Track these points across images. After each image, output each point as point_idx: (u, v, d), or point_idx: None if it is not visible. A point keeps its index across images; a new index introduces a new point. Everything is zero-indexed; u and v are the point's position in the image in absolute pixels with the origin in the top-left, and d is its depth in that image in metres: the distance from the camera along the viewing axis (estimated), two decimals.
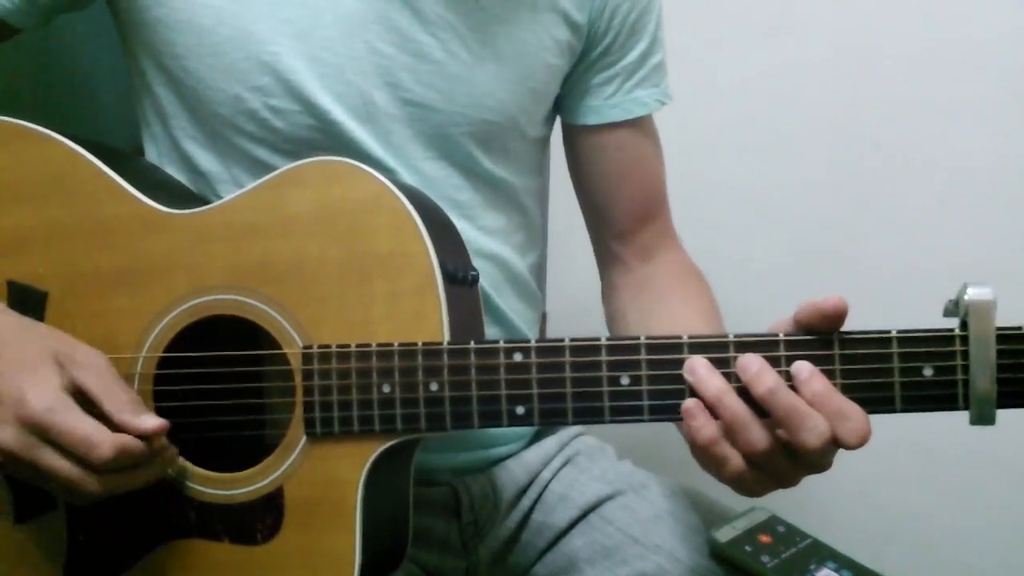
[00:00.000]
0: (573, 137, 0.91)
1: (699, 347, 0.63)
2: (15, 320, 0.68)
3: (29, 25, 0.78)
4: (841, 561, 0.78)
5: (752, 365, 0.61)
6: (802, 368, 0.60)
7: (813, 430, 0.59)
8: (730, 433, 0.61)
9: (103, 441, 0.62)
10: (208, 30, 0.75)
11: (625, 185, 0.91)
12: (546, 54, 0.83)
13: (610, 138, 0.89)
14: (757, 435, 0.60)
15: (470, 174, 0.82)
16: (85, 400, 0.64)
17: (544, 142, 0.91)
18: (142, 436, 0.64)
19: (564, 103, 0.90)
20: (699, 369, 0.62)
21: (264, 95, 0.76)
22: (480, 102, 0.80)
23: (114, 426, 0.63)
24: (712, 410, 0.61)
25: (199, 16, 0.75)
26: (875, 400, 0.61)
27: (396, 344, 0.66)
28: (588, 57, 0.86)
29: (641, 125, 0.90)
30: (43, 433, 0.62)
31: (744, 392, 0.61)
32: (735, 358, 0.62)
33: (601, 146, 0.90)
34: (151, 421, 0.65)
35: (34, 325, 0.68)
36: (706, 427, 0.61)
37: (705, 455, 0.62)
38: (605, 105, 0.88)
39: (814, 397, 0.59)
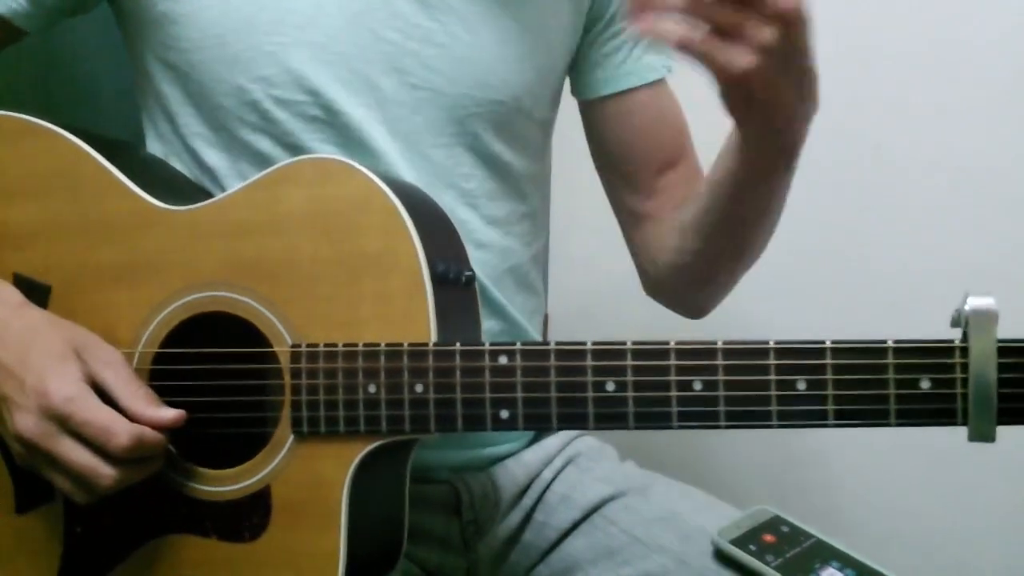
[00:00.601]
0: (593, 112, 0.91)
1: (686, 353, 0.61)
2: (40, 314, 0.70)
3: (35, 28, 0.79)
4: (845, 560, 0.77)
5: None
6: None
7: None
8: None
9: (121, 430, 0.64)
10: (213, 22, 0.75)
11: (649, 141, 0.91)
12: (551, 33, 0.83)
13: (630, 103, 0.90)
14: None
15: (478, 158, 0.82)
16: (102, 394, 0.66)
17: (549, 125, 0.91)
18: (158, 427, 0.66)
19: (578, 80, 0.90)
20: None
21: (268, 86, 0.76)
22: (486, 83, 0.80)
23: (130, 418, 0.65)
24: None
25: (204, 8, 0.75)
26: (868, 413, 0.59)
27: (382, 344, 0.65)
28: (593, 31, 0.87)
29: (658, 88, 0.90)
30: (63, 422, 0.64)
31: None
32: (723, 366, 0.60)
33: (622, 112, 0.90)
34: (168, 412, 0.67)
35: (57, 320, 0.70)
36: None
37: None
38: (619, 73, 0.88)
39: None
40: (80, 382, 0.65)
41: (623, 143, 0.91)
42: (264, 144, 0.78)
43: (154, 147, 0.83)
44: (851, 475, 1.09)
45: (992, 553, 1.15)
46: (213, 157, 0.80)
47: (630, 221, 0.93)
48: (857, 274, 1.12)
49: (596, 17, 0.86)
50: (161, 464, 0.68)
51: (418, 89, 0.78)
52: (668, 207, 0.90)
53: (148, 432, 0.65)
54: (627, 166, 0.92)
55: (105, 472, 0.64)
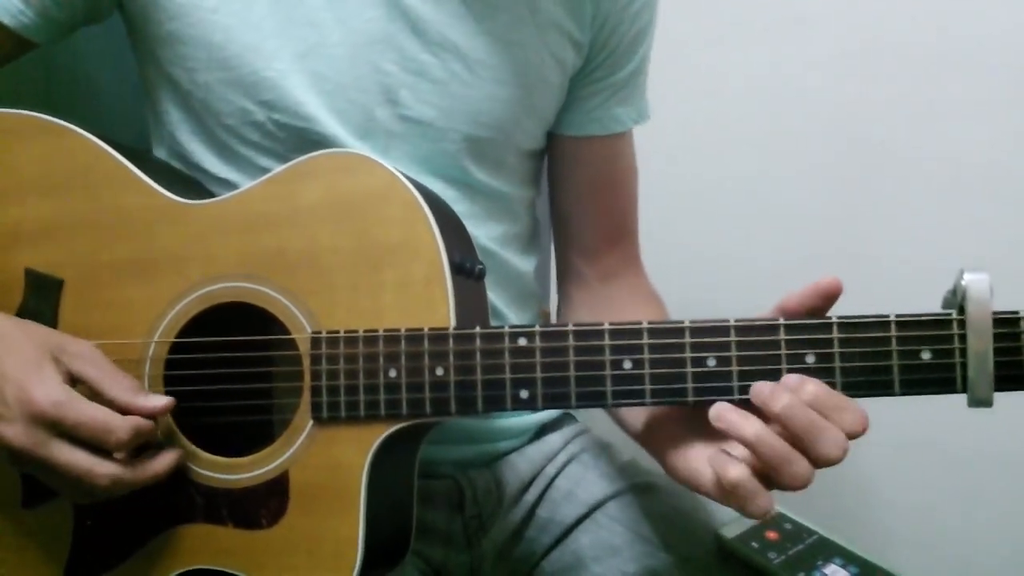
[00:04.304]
0: (550, 144, 0.92)
1: (700, 331, 0.64)
2: (4, 320, 0.69)
3: (47, 40, 0.80)
4: (848, 556, 0.79)
5: (764, 388, 0.61)
6: (790, 377, 0.61)
7: (833, 440, 0.59)
8: (772, 470, 0.60)
9: (119, 425, 0.64)
10: (218, 46, 0.77)
11: (595, 201, 0.92)
12: (548, 73, 0.84)
13: (586, 151, 0.90)
14: (803, 467, 0.60)
15: (464, 186, 0.83)
16: (83, 389, 0.65)
17: (541, 154, 0.92)
18: (150, 416, 0.66)
19: None
20: (727, 415, 0.61)
21: (269, 109, 0.78)
22: (478, 120, 0.81)
23: (119, 410, 0.65)
24: (752, 450, 0.60)
25: (210, 33, 0.77)
26: (874, 384, 0.62)
27: (403, 329, 0.67)
28: (582, 71, 0.87)
29: (618, 143, 0.91)
30: (55, 427, 0.63)
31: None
32: (736, 343, 0.63)
33: (575, 158, 0.91)
34: (158, 400, 0.67)
35: (23, 323, 0.70)
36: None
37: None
38: (586, 119, 0.89)
39: (814, 400, 0.60)
40: (63, 384, 0.65)
41: (571, 190, 0.92)
42: (264, 161, 0.79)
43: (160, 151, 0.85)
44: (854, 472, 1.09)
45: (994, 550, 1.16)
46: (216, 167, 0.81)
47: (561, 266, 0.95)
48: (860, 271, 1.12)
49: (590, 60, 0.87)
50: (167, 472, 0.68)
51: (410, 121, 0.80)
52: (597, 280, 0.92)
53: (144, 422, 0.65)
54: (570, 214, 0.93)
55: (103, 471, 0.64)
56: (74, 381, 0.66)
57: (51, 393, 0.64)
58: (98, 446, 0.64)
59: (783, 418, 0.60)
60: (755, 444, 0.60)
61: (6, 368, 0.64)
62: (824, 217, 1.17)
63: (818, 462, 0.60)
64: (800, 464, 0.59)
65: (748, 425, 0.60)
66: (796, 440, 0.59)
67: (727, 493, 0.61)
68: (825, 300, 0.63)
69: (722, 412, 0.61)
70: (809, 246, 1.20)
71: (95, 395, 0.66)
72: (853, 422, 0.60)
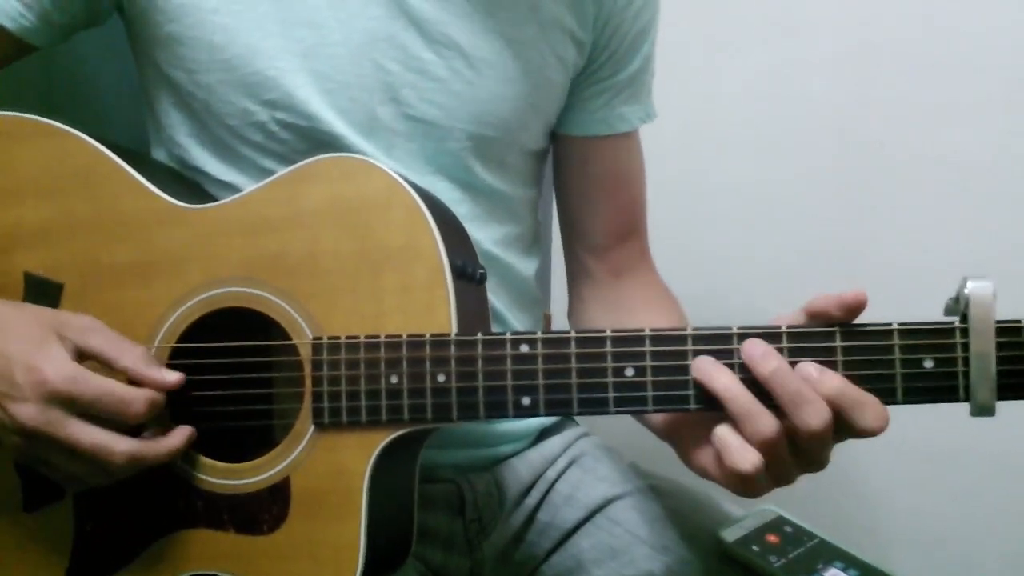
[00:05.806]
0: (556, 144, 0.92)
1: (703, 339, 0.64)
2: (4, 303, 0.69)
3: (47, 43, 0.80)
4: (848, 560, 0.79)
5: (756, 348, 0.61)
6: (811, 366, 0.60)
7: (816, 411, 0.59)
8: (740, 424, 0.60)
9: (136, 397, 0.64)
10: (219, 47, 0.77)
11: (604, 200, 0.92)
12: (550, 71, 0.84)
13: (593, 151, 0.90)
14: (767, 422, 0.60)
15: (468, 187, 0.83)
16: (90, 365, 0.65)
17: (543, 154, 0.92)
18: (162, 389, 0.66)
19: None
20: (704, 365, 0.62)
21: (272, 108, 0.77)
22: (481, 119, 0.81)
23: (132, 380, 0.65)
24: (721, 403, 0.61)
25: (210, 33, 0.76)
26: (876, 392, 0.61)
27: (404, 335, 0.67)
28: (585, 71, 0.87)
29: (625, 142, 0.91)
30: (70, 403, 0.63)
31: (752, 384, 0.61)
32: (739, 350, 0.63)
33: (583, 157, 0.91)
34: (170, 374, 0.67)
35: (21, 305, 0.69)
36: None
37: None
38: (591, 119, 0.89)
39: (834, 394, 0.59)
40: (73, 360, 0.64)
41: (579, 189, 0.92)
42: (266, 162, 0.79)
43: (158, 154, 0.84)
44: (855, 476, 1.10)
45: (994, 553, 1.16)
46: (217, 169, 0.81)
47: (571, 265, 0.96)
48: (861, 272, 1.13)
49: (592, 59, 0.87)
50: (183, 447, 0.68)
51: (413, 120, 0.79)
52: (608, 277, 0.92)
53: (157, 395, 0.65)
54: (578, 213, 0.93)
55: (121, 447, 0.64)
56: (81, 357, 0.65)
57: (62, 369, 0.63)
58: (115, 420, 0.64)
59: (769, 382, 0.60)
60: (723, 393, 0.60)
61: (11, 349, 0.64)
62: (826, 219, 1.18)
63: (800, 433, 0.59)
64: (764, 419, 0.59)
65: (720, 376, 0.61)
66: (781, 407, 0.60)
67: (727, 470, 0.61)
68: (848, 314, 0.62)
69: (700, 362, 0.62)
70: (811, 248, 1.21)
71: (105, 366, 0.65)
72: (874, 418, 0.59)
